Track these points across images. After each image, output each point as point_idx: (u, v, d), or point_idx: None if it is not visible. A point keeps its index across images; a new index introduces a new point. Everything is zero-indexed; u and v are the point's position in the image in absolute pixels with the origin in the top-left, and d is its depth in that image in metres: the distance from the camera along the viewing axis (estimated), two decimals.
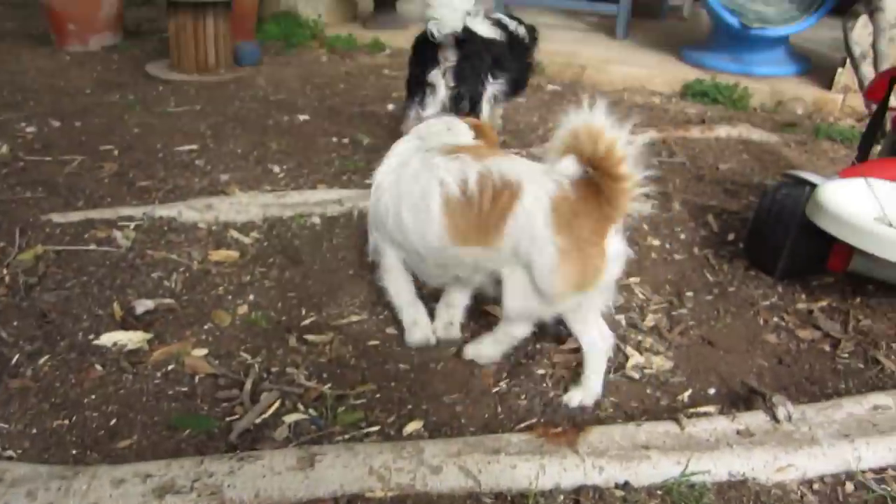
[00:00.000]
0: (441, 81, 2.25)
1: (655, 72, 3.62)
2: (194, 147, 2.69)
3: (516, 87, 2.49)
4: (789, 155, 2.81)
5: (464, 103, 2.24)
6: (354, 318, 1.72)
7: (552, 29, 4.51)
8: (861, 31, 3.13)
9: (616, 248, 1.36)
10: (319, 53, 4.04)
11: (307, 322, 1.71)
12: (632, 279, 1.92)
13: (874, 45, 2.98)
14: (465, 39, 2.16)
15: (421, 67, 2.27)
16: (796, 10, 3.61)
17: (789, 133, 3.03)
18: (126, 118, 2.93)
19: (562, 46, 4.04)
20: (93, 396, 1.44)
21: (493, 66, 2.25)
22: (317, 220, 2.15)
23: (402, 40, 4.09)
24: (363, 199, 2.23)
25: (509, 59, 2.35)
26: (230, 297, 1.80)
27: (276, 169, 2.53)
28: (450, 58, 2.24)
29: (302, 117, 3.03)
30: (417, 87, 2.29)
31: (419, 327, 1.62)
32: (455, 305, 1.64)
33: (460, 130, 1.62)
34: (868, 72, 2.98)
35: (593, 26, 4.52)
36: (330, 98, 3.29)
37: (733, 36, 3.63)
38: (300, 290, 1.83)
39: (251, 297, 1.80)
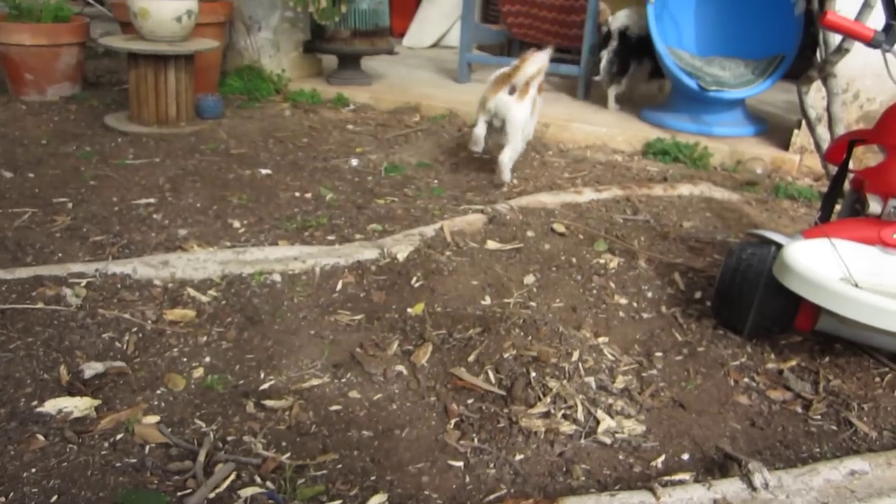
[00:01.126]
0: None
1: (616, 131, 3.67)
2: (152, 201, 2.62)
3: None
4: (751, 213, 2.84)
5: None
6: (315, 382, 1.65)
7: None
8: (815, 95, 3.21)
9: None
10: (283, 108, 4.02)
11: (266, 386, 1.63)
12: (601, 339, 1.89)
13: (828, 109, 3.06)
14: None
15: None
16: (752, 73, 3.71)
17: (750, 192, 3.08)
18: (82, 170, 2.85)
19: None
20: (33, 470, 1.34)
21: None
22: (277, 277, 2.09)
23: (365, 96, 4.11)
24: (325, 255, 2.19)
25: None
26: (185, 359, 1.72)
27: (237, 224, 2.47)
28: None
29: (264, 171, 2.98)
30: None
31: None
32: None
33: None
34: (823, 133, 3.05)
35: (555, 86, 4.59)
36: (293, 152, 3.25)
37: (692, 98, 3.71)
38: (259, 352, 1.76)
39: (207, 358, 1.72)
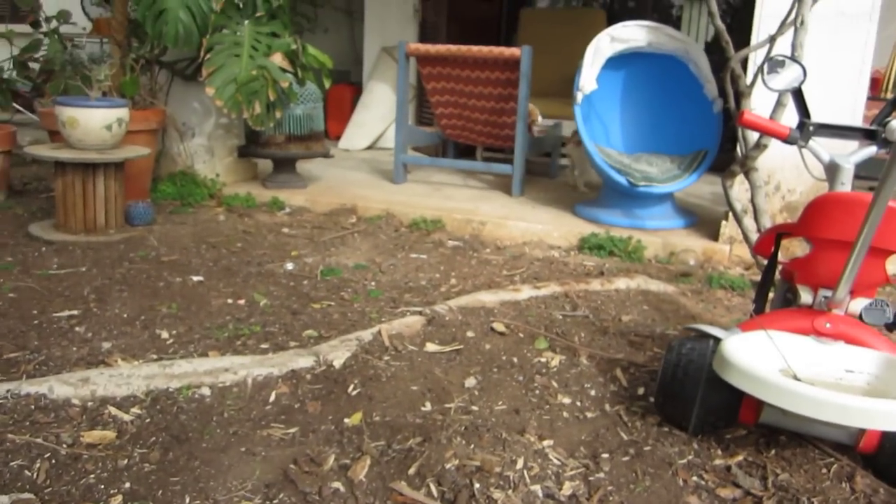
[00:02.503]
0: None
1: (552, 227, 3.72)
2: (75, 312, 2.50)
3: None
4: (687, 304, 2.88)
5: None
6: None
7: (450, 188, 4.65)
8: (739, 188, 3.34)
9: None
10: (217, 212, 3.97)
11: None
12: (545, 443, 1.83)
13: (752, 201, 3.18)
14: None
15: None
16: (678, 168, 3.85)
17: (685, 283, 3.13)
18: (1, 282, 2.72)
19: (460, 204, 4.14)
20: None
21: None
22: (206, 391, 1.98)
23: (301, 199, 4.10)
24: (258, 365, 2.10)
25: None
26: (102, 486, 1.59)
27: (165, 334, 2.36)
28: None
29: (195, 278, 2.89)
30: None
31: None
32: None
33: None
34: (750, 224, 3.15)
35: (490, 184, 4.68)
36: (226, 257, 3.18)
37: (623, 193, 3.81)
38: (185, 474, 1.64)
39: (127, 484, 1.59)
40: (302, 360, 2.16)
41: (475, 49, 4.47)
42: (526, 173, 4.59)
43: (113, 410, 1.87)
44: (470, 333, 2.44)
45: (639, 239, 3.54)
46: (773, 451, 1.84)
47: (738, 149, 3.34)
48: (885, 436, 1.73)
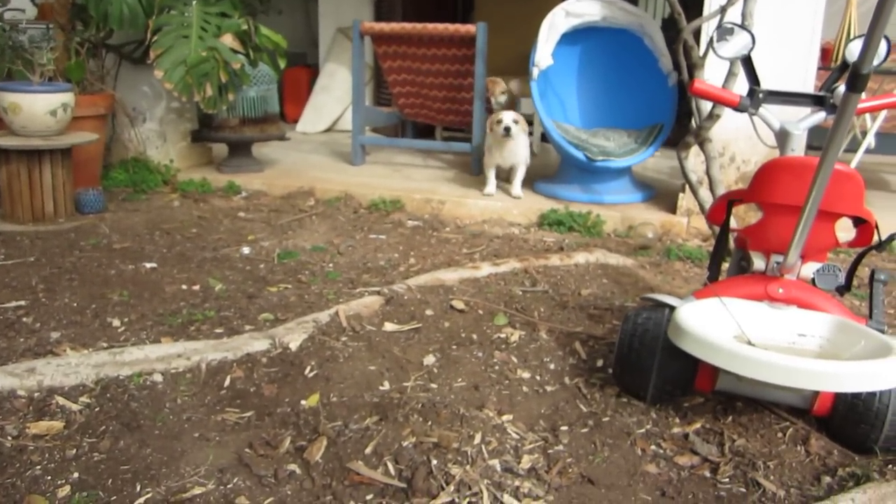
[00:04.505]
0: None
1: (511, 204, 3.72)
2: (22, 303, 2.42)
3: None
4: (646, 276, 2.89)
5: None
6: (198, 491, 1.50)
7: (410, 168, 4.61)
8: (695, 159, 3.36)
9: None
10: (171, 199, 3.88)
11: (141, 500, 1.47)
12: (504, 417, 1.82)
13: (708, 172, 3.19)
14: None
15: None
16: (634, 143, 3.86)
17: (643, 256, 3.14)
18: None
19: (420, 184, 4.10)
20: None
21: None
22: (158, 377, 1.94)
23: (258, 183, 4.03)
24: (212, 350, 2.05)
25: None
26: (49, 477, 1.54)
27: (116, 322, 2.30)
28: None
29: (148, 265, 2.83)
30: None
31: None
32: None
33: None
34: (706, 196, 3.17)
35: (449, 164, 4.65)
36: (180, 243, 3.11)
37: (581, 168, 3.81)
38: (135, 462, 1.60)
39: (75, 474, 1.55)
40: (257, 343, 2.12)
41: (430, 27, 4.42)
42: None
43: (61, 400, 1.81)
44: (429, 312, 2.42)
45: (598, 214, 3.54)
46: (730, 418, 1.86)
47: (693, 120, 3.36)
48: (838, 398, 1.76)
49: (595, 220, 3.51)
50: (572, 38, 4.06)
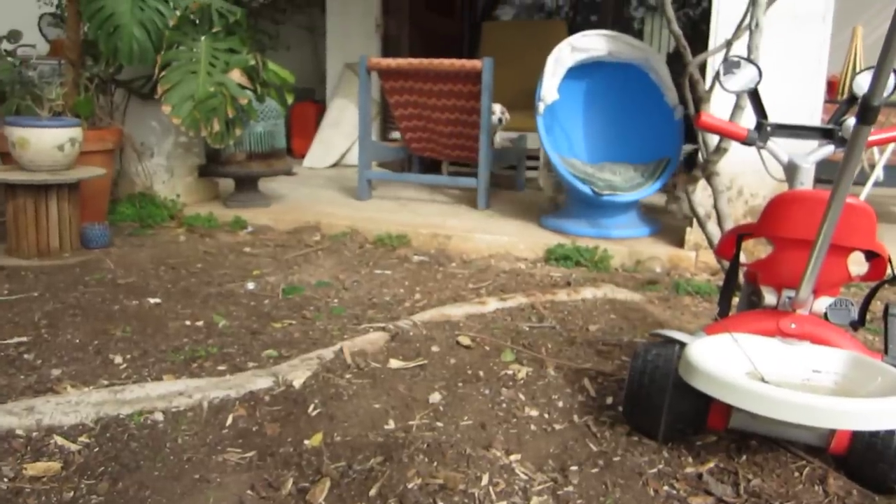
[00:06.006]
0: None
1: (518, 239, 3.69)
2: (24, 339, 2.40)
3: None
4: (654, 311, 2.85)
5: None
6: None
7: (416, 203, 4.61)
8: (702, 193, 3.34)
9: None
10: (177, 233, 3.88)
11: None
12: (513, 457, 1.77)
13: (715, 206, 3.17)
14: None
15: None
16: (641, 177, 3.85)
17: (651, 291, 3.10)
18: None
19: (426, 219, 4.09)
20: None
21: None
22: (160, 416, 1.90)
23: (264, 218, 4.03)
24: (214, 388, 2.02)
25: None
26: None
27: (118, 359, 2.27)
28: None
29: (153, 300, 2.81)
30: None
31: None
32: None
33: None
34: (714, 230, 3.14)
35: (456, 198, 4.65)
36: (185, 279, 3.10)
37: (588, 203, 3.79)
38: None
39: None
40: (261, 380, 2.09)
41: (436, 62, 4.45)
42: (492, 186, 4.58)
43: (59, 440, 1.78)
44: (435, 348, 2.39)
45: (605, 248, 3.52)
46: (744, 457, 1.81)
47: (700, 154, 3.34)
48: (855, 436, 1.71)
49: (602, 254, 3.48)
50: (578, 72, 4.08)
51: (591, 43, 4.00)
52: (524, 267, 3.45)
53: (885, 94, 1.88)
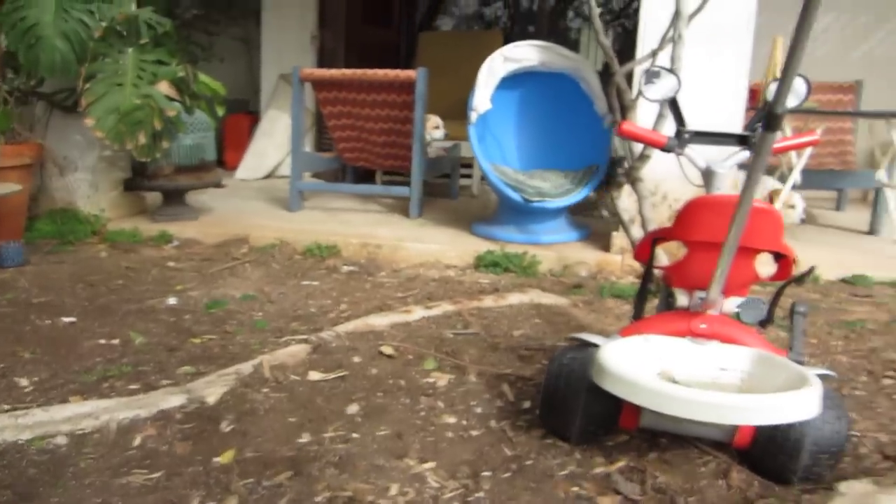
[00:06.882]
0: None
1: (448, 247, 3.70)
2: None
3: None
4: (578, 315, 2.88)
5: None
6: None
7: (348, 213, 4.59)
8: (627, 198, 3.40)
9: None
10: (99, 249, 3.77)
11: None
12: (427, 465, 1.76)
13: (640, 212, 3.22)
14: None
15: None
16: (570, 183, 3.89)
17: (577, 295, 3.13)
18: None
19: (357, 229, 4.07)
20: None
21: None
22: (62, 440, 1.83)
23: (192, 231, 3.96)
24: (123, 408, 1.97)
25: None
26: None
27: (24, 382, 2.19)
28: None
29: (67, 319, 2.72)
30: None
31: None
32: None
33: None
34: (638, 234, 3.20)
35: (389, 207, 4.63)
36: (104, 295, 3.01)
37: (518, 210, 3.82)
38: None
39: None
40: (173, 398, 2.04)
41: (370, 72, 4.45)
42: (427, 195, 4.58)
43: None
44: (356, 359, 2.36)
45: (534, 254, 3.54)
46: (653, 455, 1.83)
47: (626, 161, 3.40)
48: (758, 430, 1.75)
49: (531, 260, 3.50)
50: (511, 82, 4.11)
51: (524, 53, 4.04)
52: (453, 275, 3.45)
53: (797, 101, 1.94)
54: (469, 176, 5.49)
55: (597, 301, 3.08)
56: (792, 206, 3.81)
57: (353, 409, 2.04)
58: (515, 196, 3.72)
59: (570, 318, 2.83)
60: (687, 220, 1.93)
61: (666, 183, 3.57)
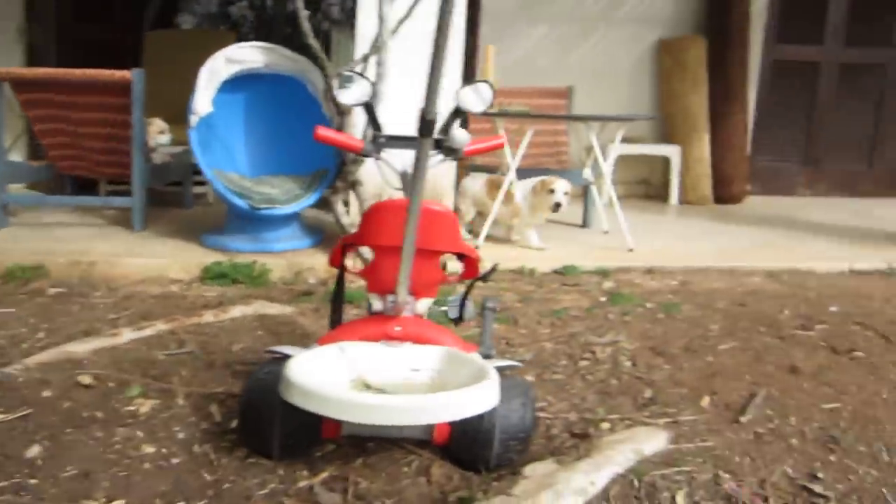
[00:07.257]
0: None
1: (173, 260, 3.51)
2: None
3: None
4: (304, 323, 2.87)
5: None
6: None
7: (63, 227, 4.21)
8: (355, 203, 3.45)
9: None
10: None
11: None
12: (115, 503, 1.65)
13: (361, 214, 3.28)
14: None
15: None
16: (300, 189, 3.87)
17: (304, 303, 3.12)
18: None
19: (69, 245, 3.73)
20: None
21: None
22: None
23: None
24: None
25: None
26: None
27: None
28: None
29: None
30: None
31: None
32: None
33: None
34: None
35: (111, 220, 4.31)
36: None
37: (247, 218, 3.73)
38: None
39: None
40: None
41: (78, 72, 4.08)
42: (157, 205, 4.32)
43: None
44: (47, 393, 2.15)
45: (264, 263, 3.48)
46: (359, 461, 1.86)
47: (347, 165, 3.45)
48: (454, 425, 1.83)
49: (261, 269, 3.44)
50: (236, 84, 3.98)
51: (247, 55, 3.94)
52: (177, 289, 3.28)
53: (483, 106, 2.04)
54: (204, 183, 5.27)
55: (324, 308, 3.08)
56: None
57: (33, 451, 1.85)
58: (242, 203, 3.63)
59: (296, 328, 2.81)
60: (370, 224, 1.98)
61: (388, 186, 3.67)
